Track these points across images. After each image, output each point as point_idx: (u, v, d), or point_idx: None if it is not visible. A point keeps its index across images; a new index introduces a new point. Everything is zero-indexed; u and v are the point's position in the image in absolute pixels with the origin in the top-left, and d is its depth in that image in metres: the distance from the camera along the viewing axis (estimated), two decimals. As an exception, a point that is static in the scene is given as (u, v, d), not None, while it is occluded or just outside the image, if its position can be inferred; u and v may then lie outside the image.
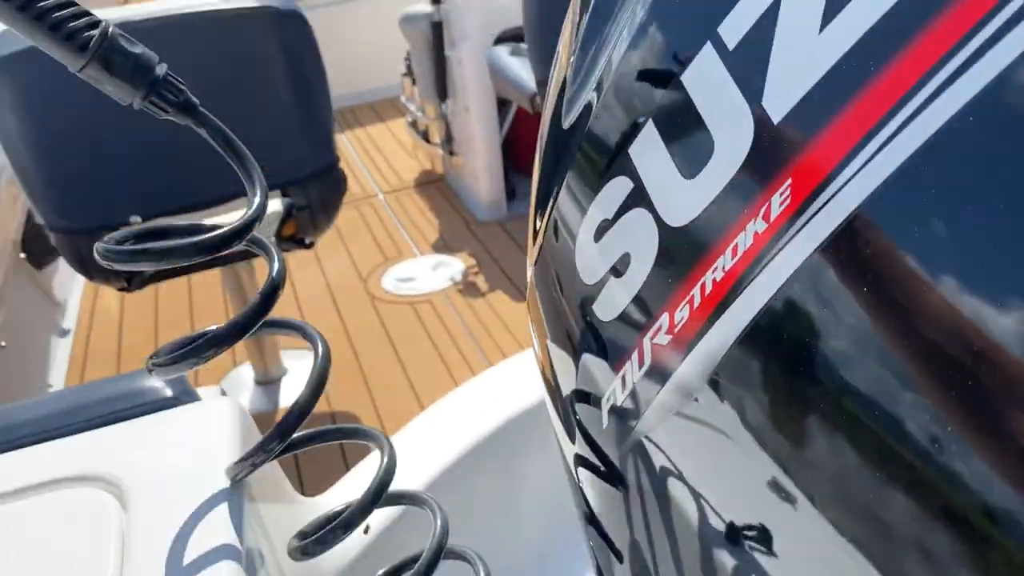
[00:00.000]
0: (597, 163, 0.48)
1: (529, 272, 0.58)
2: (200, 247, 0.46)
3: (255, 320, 0.51)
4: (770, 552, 0.37)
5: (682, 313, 0.39)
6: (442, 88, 2.93)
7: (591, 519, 0.53)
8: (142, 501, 0.63)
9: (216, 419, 0.72)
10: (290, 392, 2.17)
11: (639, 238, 0.42)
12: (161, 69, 0.49)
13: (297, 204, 1.59)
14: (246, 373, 2.24)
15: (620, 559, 0.50)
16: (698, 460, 0.41)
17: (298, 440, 0.60)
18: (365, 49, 4.12)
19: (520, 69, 2.23)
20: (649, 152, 0.42)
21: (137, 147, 1.44)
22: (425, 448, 0.94)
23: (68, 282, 2.84)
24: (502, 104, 2.88)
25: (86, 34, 0.46)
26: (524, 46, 2.27)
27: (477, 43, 2.70)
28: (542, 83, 2.02)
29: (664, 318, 0.40)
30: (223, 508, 0.61)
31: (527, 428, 0.98)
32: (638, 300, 0.42)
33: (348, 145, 3.82)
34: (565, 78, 0.53)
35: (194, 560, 0.58)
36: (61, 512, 0.64)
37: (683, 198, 0.40)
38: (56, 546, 0.61)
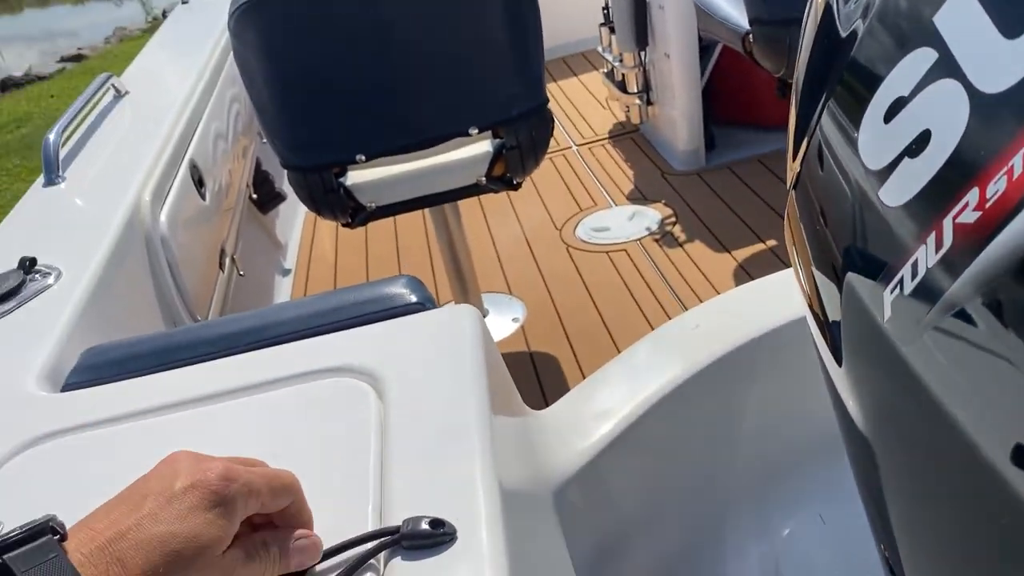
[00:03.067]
0: (889, 42, 0.45)
1: (791, 189, 0.56)
2: None
3: None
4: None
5: (997, 186, 0.36)
6: (642, 35, 2.88)
7: (857, 441, 0.50)
8: (399, 395, 0.67)
9: (464, 327, 0.76)
10: (491, 331, 2.24)
11: (944, 110, 0.39)
12: None
13: (508, 144, 1.62)
14: (449, 313, 2.33)
15: (888, 482, 0.48)
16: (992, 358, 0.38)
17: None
18: (561, 3, 4.11)
19: (730, 8, 2.15)
20: (961, 15, 0.39)
21: (364, 89, 1.52)
22: (639, 377, 0.94)
23: (289, 226, 3.07)
24: (703, 51, 2.79)
25: None
26: (733, -15, 2.18)
27: (680, -14, 2.62)
28: (755, 21, 1.93)
29: (972, 194, 0.37)
30: (475, 411, 0.64)
31: (743, 364, 0.96)
32: (939, 178, 0.40)
33: (543, 98, 3.84)
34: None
35: (450, 455, 0.61)
36: (325, 398, 0.70)
37: (1003, 60, 0.36)
38: (322, 426, 0.67)
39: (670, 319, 2.19)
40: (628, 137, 3.32)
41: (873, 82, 0.46)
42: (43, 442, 0.71)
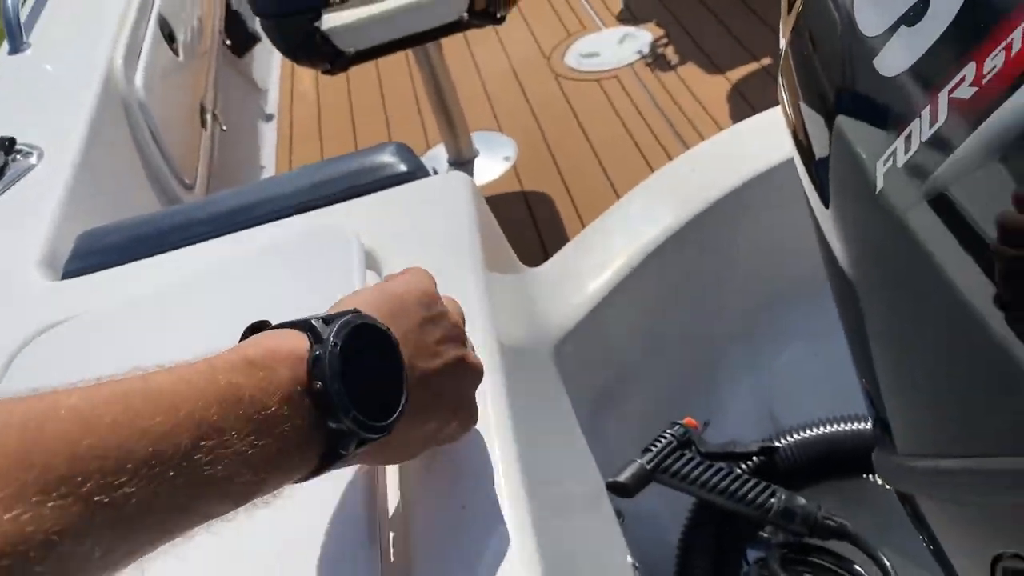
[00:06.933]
0: None
1: (783, 42, 0.54)
2: None
3: None
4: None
5: (995, 61, 0.35)
6: None
7: (841, 282, 0.51)
8: (392, 266, 0.68)
9: (455, 193, 0.75)
10: (482, 174, 2.23)
11: (945, -22, 0.38)
12: None
13: (488, -24, 1.54)
14: (440, 155, 2.30)
15: (870, 320, 0.49)
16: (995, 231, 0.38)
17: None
18: None
19: None
20: None
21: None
22: (634, 227, 0.94)
23: (266, 69, 2.96)
24: None
25: None
26: None
27: None
28: None
29: (969, 68, 0.36)
30: (473, 278, 0.65)
31: (736, 207, 0.96)
32: (935, 50, 0.38)
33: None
34: None
35: None
36: (321, 279, 0.71)
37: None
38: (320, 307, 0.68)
39: (664, 149, 2.18)
40: (616, -49, 3.14)
41: (871, -61, 0.44)
42: (52, 331, 0.73)
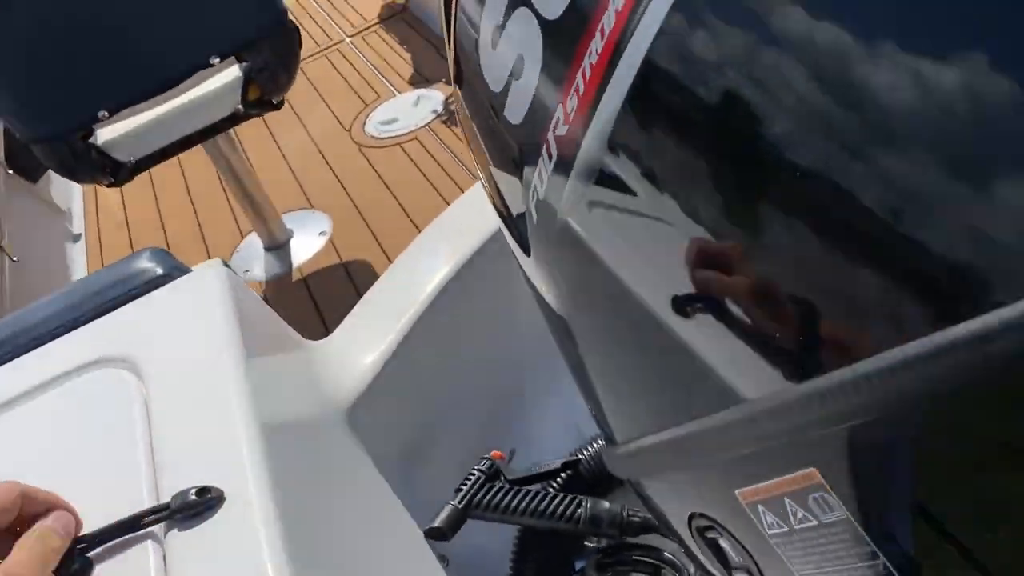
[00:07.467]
0: (479, -30, 0.49)
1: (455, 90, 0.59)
2: None
3: None
4: (716, 311, 0.40)
5: (572, 102, 0.42)
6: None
7: (551, 320, 0.57)
8: (156, 372, 0.69)
9: (208, 287, 0.77)
10: (299, 253, 2.23)
11: (526, 38, 0.44)
12: None
13: (255, 66, 1.57)
14: (255, 242, 2.29)
15: (582, 351, 0.54)
16: (617, 237, 0.44)
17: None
18: None
19: None
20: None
21: (86, 40, 1.41)
22: (415, 279, 0.98)
23: (66, 188, 2.86)
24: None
25: None
26: None
27: None
28: None
29: (560, 111, 0.43)
30: (232, 367, 0.67)
31: (507, 244, 1.01)
32: (536, 99, 0.45)
33: (304, -7, 3.67)
34: None
35: (211, 418, 0.64)
36: (87, 394, 0.71)
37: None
38: (88, 424, 0.68)
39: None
40: (399, 18, 3.25)
41: (479, 8, 0.50)
42: None
